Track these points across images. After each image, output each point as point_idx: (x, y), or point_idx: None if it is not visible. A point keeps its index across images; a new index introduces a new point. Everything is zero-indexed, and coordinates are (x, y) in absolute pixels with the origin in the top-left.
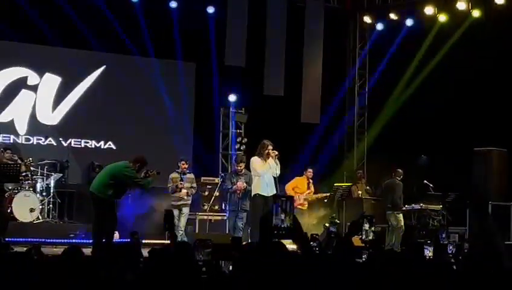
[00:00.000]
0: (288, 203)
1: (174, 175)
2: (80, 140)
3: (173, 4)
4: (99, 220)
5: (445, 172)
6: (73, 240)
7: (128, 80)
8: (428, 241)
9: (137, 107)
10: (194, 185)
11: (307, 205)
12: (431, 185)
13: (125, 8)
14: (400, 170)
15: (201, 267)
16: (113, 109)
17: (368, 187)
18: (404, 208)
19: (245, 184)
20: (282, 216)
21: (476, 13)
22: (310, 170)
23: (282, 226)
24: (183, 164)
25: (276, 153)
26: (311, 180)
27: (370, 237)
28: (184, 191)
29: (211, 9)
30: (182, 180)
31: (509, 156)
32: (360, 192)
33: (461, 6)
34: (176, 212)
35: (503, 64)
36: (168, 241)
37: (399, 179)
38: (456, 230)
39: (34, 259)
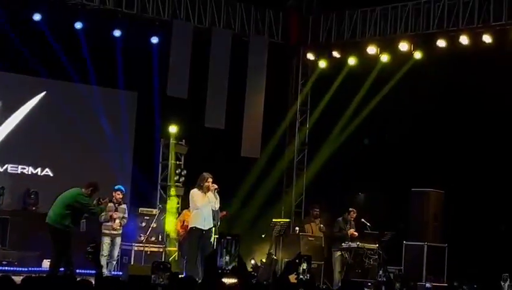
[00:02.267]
0: (233, 243)
1: (109, 204)
2: (16, 166)
3: (117, 33)
4: (57, 250)
5: (383, 211)
6: (6, 268)
7: (68, 107)
8: (369, 284)
9: (77, 134)
10: (126, 215)
11: None
12: (368, 224)
13: (68, 34)
14: (350, 209)
15: None
16: (52, 135)
17: (321, 225)
18: (341, 246)
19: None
20: (227, 258)
21: (417, 55)
22: None
23: (227, 268)
24: (118, 194)
25: (216, 186)
26: None
27: (306, 277)
28: (117, 221)
29: (154, 40)
30: (116, 210)
31: (445, 198)
32: (313, 230)
33: (403, 47)
34: (107, 241)
35: (443, 106)
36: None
37: (344, 217)
38: (391, 269)
39: None
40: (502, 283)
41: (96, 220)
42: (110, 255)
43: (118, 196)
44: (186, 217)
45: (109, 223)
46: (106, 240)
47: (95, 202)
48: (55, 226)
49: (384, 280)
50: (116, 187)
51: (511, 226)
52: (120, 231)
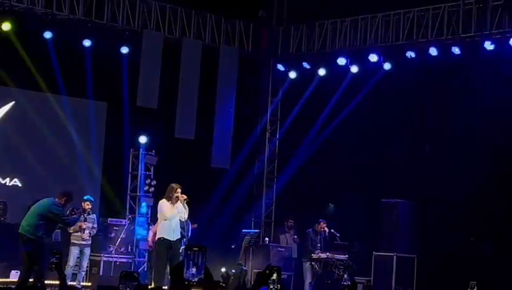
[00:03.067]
0: (200, 255)
1: None
2: None
3: (87, 43)
4: (30, 261)
5: (352, 222)
6: None
7: (37, 117)
8: None
9: (46, 144)
10: (95, 225)
11: None
12: (338, 235)
13: (37, 44)
14: (320, 220)
15: None
16: (20, 145)
17: (295, 237)
18: (311, 257)
19: None
20: (193, 270)
21: (387, 66)
22: None
23: (193, 280)
24: (87, 205)
25: (185, 197)
26: None
27: (276, 287)
28: (87, 231)
29: (124, 50)
30: (85, 220)
31: (414, 208)
32: (287, 241)
33: (373, 58)
34: (76, 251)
35: (413, 116)
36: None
37: (314, 228)
38: (361, 280)
39: None
40: None
41: (65, 230)
42: (80, 265)
43: (87, 206)
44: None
45: (78, 234)
46: (75, 250)
47: (67, 212)
48: (28, 236)
49: (349, 283)
50: (86, 197)
51: (480, 237)
52: (89, 242)
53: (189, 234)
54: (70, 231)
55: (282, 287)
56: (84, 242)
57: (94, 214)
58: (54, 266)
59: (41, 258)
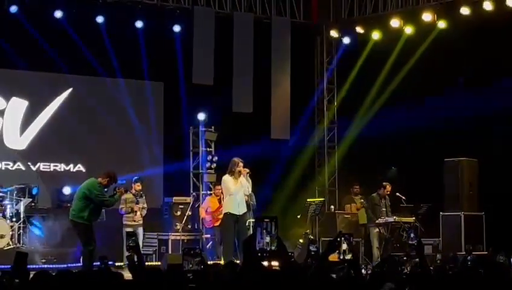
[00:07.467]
0: (272, 224)
1: (128, 196)
2: (48, 164)
3: (139, 24)
4: (85, 245)
5: (417, 184)
6: (45, 266)
7: (95, 102)
8: (404, 258)
9: (106, 128)
10: (146, 205)
11: None
12: (403, 198)
13: (90, 28)
14: (385, 183)
15: (189, 278)
16: (81, 131)
17: (362, 201)
18: (377, 222)
19: None
20: (267, 239)
21: (442, 24)
22: (218, 187)
23: (268, 249)
24: (137, 185)
25: (248, 170)
26: (222, 195)
27: (348, 256)
28: (138, 213)
29: (177, 28)
30: (137, 203)
31: (479, 166)
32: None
33: (427, 17)
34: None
35: (471, 73)
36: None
37: (378, 192)
38: (429, 241)
39: (6, 287)
40: None
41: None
42: None
43: (138, 187)
44: (211, 204)
45: (130, 215)
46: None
47: (107, 191)
48: (74, 220)
49: (415, 243)
50: (135, 178)
51: None
52: (141, 222)
53: (255, 204)
54: (122, 213)
55: (356, 256)
56: (136, 223)
57: (144, 196)
58: (131, 249)
59: (91, 239)
